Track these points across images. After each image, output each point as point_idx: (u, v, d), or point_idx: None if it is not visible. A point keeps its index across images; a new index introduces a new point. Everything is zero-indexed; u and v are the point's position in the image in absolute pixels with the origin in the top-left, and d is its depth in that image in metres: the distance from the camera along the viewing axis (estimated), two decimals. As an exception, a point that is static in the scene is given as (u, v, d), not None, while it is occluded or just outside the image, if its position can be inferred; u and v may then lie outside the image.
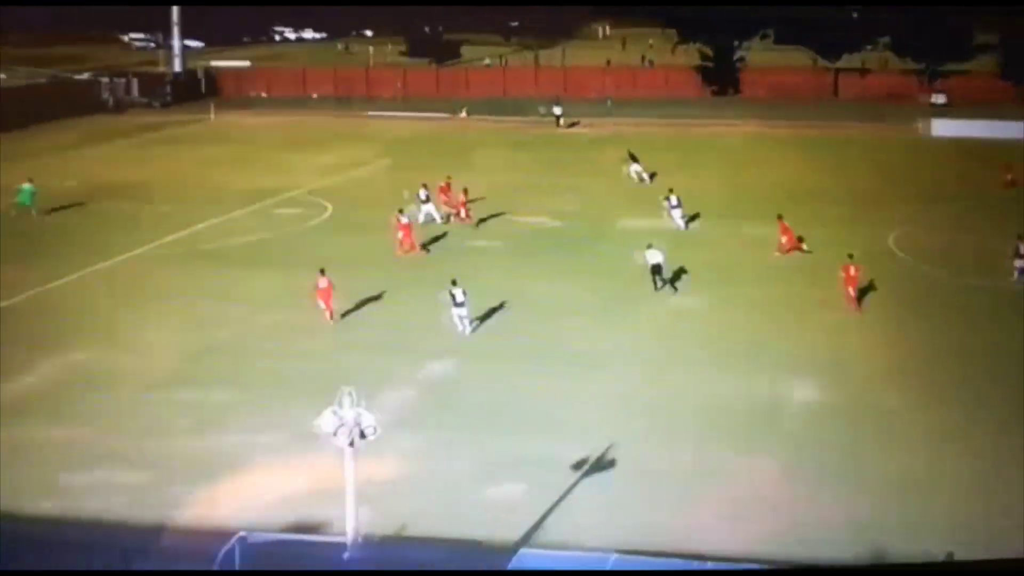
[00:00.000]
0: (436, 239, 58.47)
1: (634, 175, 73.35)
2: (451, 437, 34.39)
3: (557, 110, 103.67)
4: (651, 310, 47.10)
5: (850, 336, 43.43)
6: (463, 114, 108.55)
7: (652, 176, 72.83)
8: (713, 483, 31.44)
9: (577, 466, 32.03)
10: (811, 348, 42.05)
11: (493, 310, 46.52)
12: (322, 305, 45.58)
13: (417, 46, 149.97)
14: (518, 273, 52.49)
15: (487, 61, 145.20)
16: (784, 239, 55.36)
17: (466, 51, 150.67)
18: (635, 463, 32.39)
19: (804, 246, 55.21)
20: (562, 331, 44.25)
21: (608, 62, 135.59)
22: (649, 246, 50.26)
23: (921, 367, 40.26)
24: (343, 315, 45.86)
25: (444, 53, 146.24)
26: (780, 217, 56.35)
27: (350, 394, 25.18)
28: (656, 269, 49.75)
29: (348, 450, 25.56)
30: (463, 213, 62.04)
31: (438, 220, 61.22)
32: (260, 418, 35.91)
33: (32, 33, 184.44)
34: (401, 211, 57.83)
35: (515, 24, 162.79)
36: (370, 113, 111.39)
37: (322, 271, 45.98)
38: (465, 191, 62.98)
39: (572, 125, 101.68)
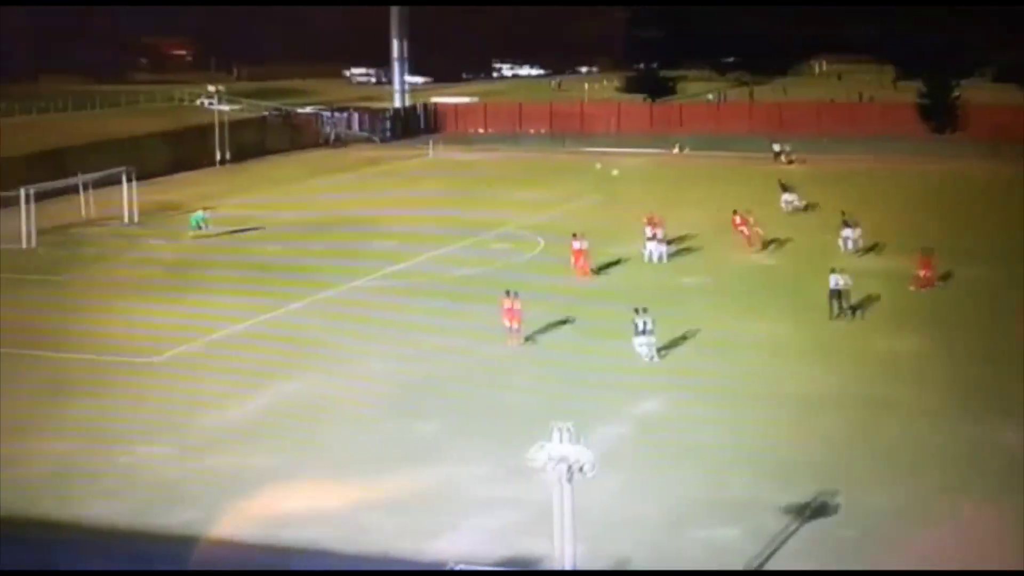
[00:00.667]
0: (644, 275, 58.44)
1: (784, 205, 74.72)
2: (664, 476, 34.15)
3: (776, 147, 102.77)
4: (863, 348, 46.18)
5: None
6: (676, 150, 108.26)
7: (807, 207, 74.29)
8: (951, 533, 30.47)
9: (795, 511, 31.39)
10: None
11: (703, 347, 46.21)
12: (507, 324, 46.64)
13: (632, 82, 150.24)
14: (728, 311, 52.03)
15: (710, 96, 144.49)
16: (923, 272, 54.79)
17: (681, 87, 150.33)
18: (858, 507, 31.65)
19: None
20: (775, 370, 43.70)
21: (831, 100, 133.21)
22: (833, 271, 50.34)
23: None
24: (556, 347, 46.18)
25: (659, 89, 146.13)
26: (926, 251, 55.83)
27: (565, 429, 24.95)
28: (835, 295, 49.77)
29: (562, 486, 25.43)
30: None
31: (664, 258, 61.13)
32: (474, 450, 36.14)
33: (263, 66, 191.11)
34: (575, 235, 59.61)
35: (730, 60, 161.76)
36: (585, 149, 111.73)
37: (508, 292, 47.36)
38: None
39: (791, 162, 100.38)
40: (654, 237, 61.85)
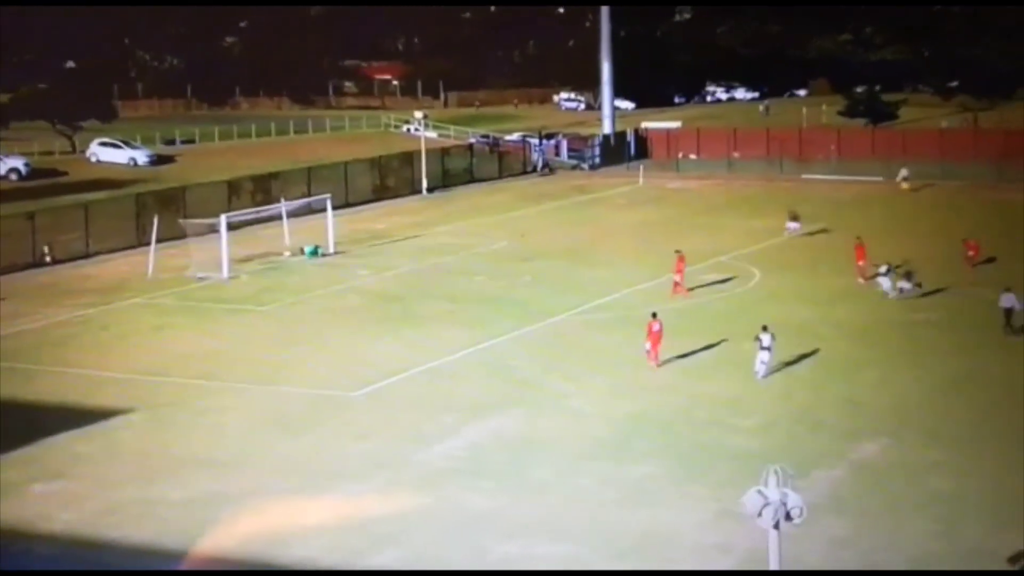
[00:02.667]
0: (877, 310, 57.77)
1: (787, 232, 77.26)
2: (884, 523, 33.70)
3: (904, 172, 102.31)
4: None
5: None
6: (900, 177, 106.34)
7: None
8: None
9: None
10: None
11: (931, 388, 45.51)
12: (647, 347, 48.02)
13: (853, 106, 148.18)
14: (958, 349, 51.10)
15: (944, 123, 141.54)
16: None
17: (904, 112, 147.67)
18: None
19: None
20: (1001, 413, 42.79)
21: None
22: (1007, 289, 52.22)
23: None
24: (784, 386, 46.11)
25: (880, 114, 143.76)
26: None
27: (776, 472, 24.91)
28: (1007, 314, 51.73)
29: (773, 532, 25.37)
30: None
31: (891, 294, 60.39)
32: (687, 492, 36.16)
33: (471, 92, 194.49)
34: (678, 251, 61.63)
35: (954, 84, 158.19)
36: (803, 176, 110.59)
37: (654, 315, 48.55)
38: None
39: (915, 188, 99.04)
40: (888, 273, 60.48)
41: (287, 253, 74.86)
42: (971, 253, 67.11)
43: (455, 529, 33.95)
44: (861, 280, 63.80)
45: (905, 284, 59.18)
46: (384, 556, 32.16)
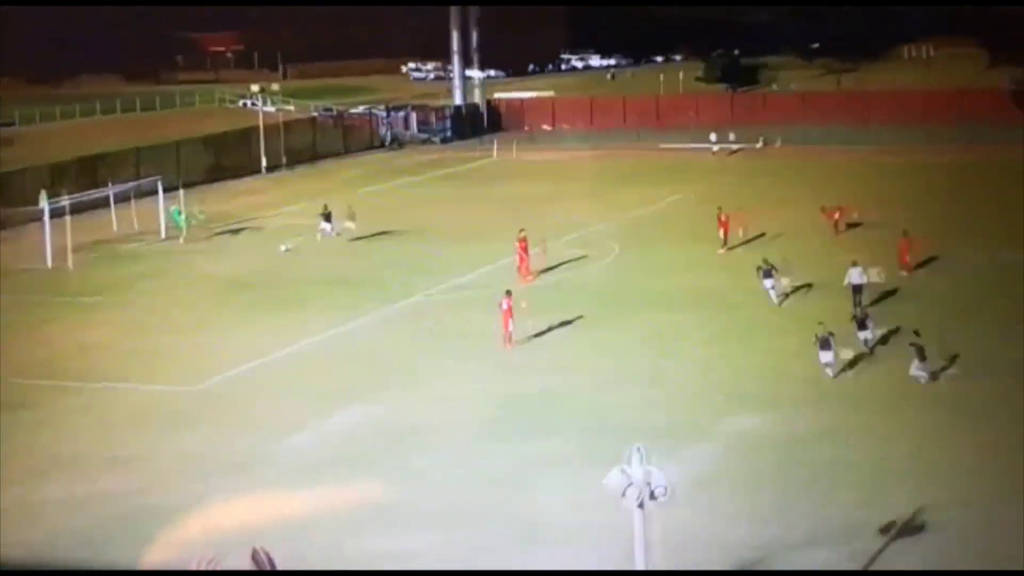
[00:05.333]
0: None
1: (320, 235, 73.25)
2: (750, 500, 34.83)
3: (713, 137, 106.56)
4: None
5: None
6: (760, 144, 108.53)
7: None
8: None
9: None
10: None
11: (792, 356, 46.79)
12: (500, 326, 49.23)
13: (712, 71, 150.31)
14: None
15: (792, 87, 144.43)
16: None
17: (765, 76, 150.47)
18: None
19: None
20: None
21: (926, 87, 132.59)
22: (854, 264, 52.89)
23: None
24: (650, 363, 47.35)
25: (742, 79, 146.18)
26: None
27: (640, 450, 25.22)
28: (857, 289, 52.38)
29: (637, 512, 25.61)
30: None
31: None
32: (564, 473, 36.64)
33: (313, 63, 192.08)
34: (520, 232, 62.24)
35: (816, 46, 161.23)
36: (661, 145, 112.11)
37: (508, 292, 50.13)
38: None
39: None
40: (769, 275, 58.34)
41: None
42: (837, 217, 69.43)
43: (324, 526, 33.96)
44: (722, 251, 65.81)
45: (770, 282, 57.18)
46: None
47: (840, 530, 32.42)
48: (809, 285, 56.91)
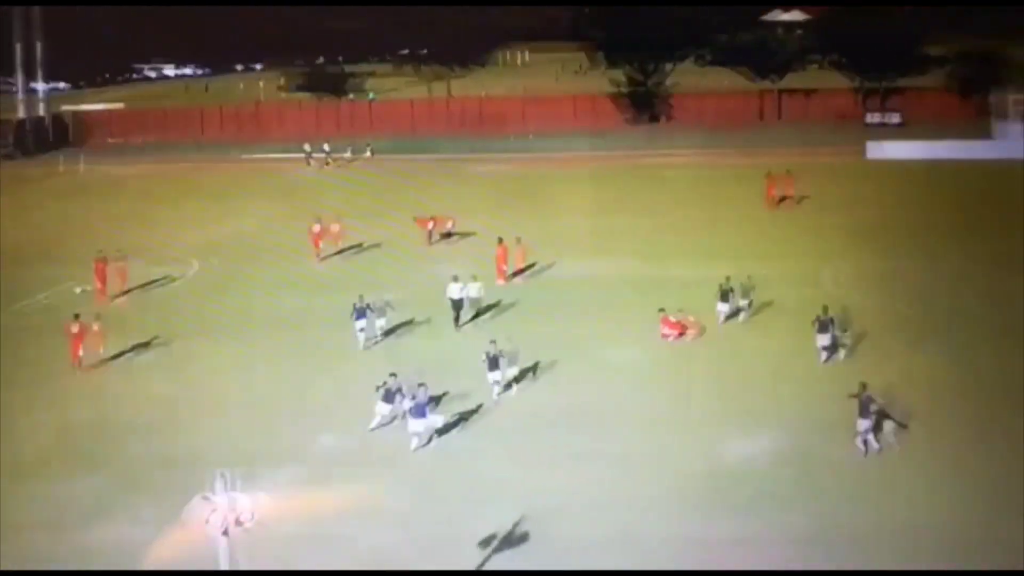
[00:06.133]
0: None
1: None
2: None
3: (307, 147, 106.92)
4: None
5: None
6: (348, 154, 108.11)
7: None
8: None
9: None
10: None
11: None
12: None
13: (297, 80, 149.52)
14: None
15: (371, 96, 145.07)
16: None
17: (371, 84, 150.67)
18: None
19: None
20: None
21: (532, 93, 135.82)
22: (454, 279, 52.44)
23: None
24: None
25: (328, 87, 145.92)
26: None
27: (223, 476, 24.47)
28: (457, 305, 51.90)
29: (223, 540, 24.79)
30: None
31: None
32: (133, 507, 35.02)
33: None
34: (99, 254, 60.28)
35: (424, 52, 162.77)
36: (245, 156, 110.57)
37: (76, 316, 48.44)
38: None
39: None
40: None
41: None
42: (431, 227, 69.78)
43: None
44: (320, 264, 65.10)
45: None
46: None
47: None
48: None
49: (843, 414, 38.05)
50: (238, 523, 24.63)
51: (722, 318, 50.53)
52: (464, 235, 70.16)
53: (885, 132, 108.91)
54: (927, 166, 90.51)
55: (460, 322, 51.91)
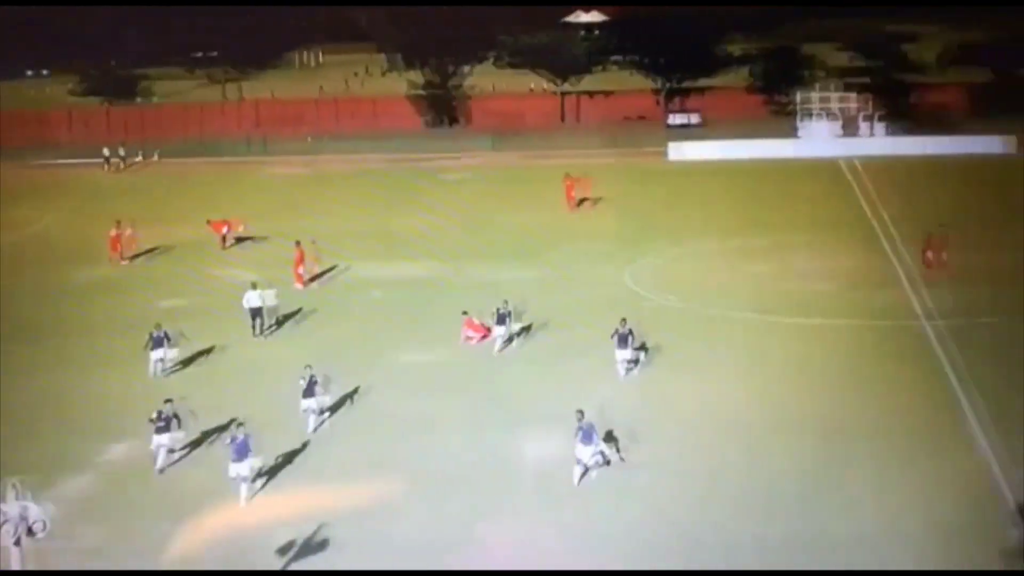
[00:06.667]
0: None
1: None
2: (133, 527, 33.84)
3: (106, 151, 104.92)
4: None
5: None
6: (139, 157, 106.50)
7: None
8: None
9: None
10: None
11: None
12: None
13: (101, 83, 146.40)
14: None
15: (153, 98, 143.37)
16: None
17: (163, 87, 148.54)
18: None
19: None
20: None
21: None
22: (253, 286, 52.22)
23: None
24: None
25: (130, 90, 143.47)
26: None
27: (15, 485, 24.32)
28: (255, 314, 51.66)
29: (14, 550, 24.58)
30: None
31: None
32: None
33: None
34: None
35: (214, 55, 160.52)
36: (36, 162, 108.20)
37: None
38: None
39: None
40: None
41: None
42: (226, 231, 69.73)
43: None
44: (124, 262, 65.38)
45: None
46: None
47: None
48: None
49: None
50: (30, 532, 24.46)
51: (500, 343, 48.54)
52: (257, 239, 70.10)
53: (688, 133, 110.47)
54: (731, 166, 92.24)
55: (258, 331, 51.83)
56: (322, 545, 32.42)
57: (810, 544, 31.96)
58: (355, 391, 44.19)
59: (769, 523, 33.20)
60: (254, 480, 35.87)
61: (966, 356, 45.92)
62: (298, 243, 60.74)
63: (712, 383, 44.36)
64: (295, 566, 31.56)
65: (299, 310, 55.15)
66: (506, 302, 48.85)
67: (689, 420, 40.93)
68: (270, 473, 36.93)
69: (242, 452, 35.19)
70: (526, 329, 50.61)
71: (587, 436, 35.93)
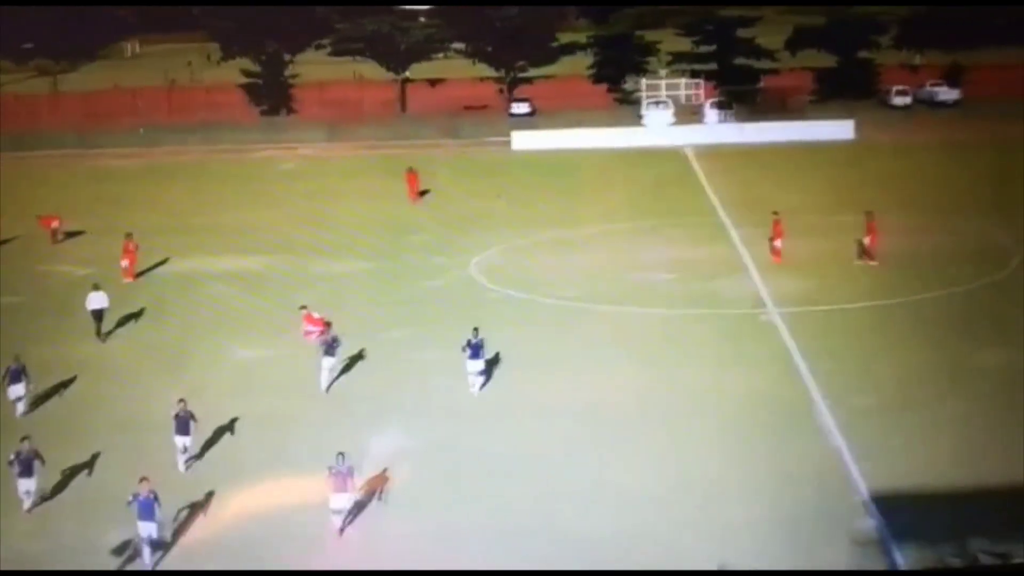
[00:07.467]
0: None
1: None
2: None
3: None
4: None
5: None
6: None
7: None
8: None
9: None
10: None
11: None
12: None
13: None
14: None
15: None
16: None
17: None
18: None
19: None
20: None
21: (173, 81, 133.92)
22: (96, 287, 51.49)
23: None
24: None
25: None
26: None
27: None
28: (98, 315, 50.89)
29: None
30: None
31: None
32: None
33: None
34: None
35: (30, 46, 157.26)
36: None
37: None
38: None
39: None
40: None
41: None
42: (55, 226, 68.81)
43: None
44: None
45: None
46: None
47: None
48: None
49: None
50: None
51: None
52: (89, 233, 69.29)
53: (532, 122, 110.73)
54: (575, 156, 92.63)
55: (102, 332, 51.03)
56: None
57: (662, 538, 32.30)
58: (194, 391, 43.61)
59: (619, 516, 33.59)
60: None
61: (813, 346, 46.58)
62: (129, 235, 60.07)
63: (557, 374, 44.49)
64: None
65: (141, 310, 54.30)
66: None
67: (533, 411, 41.14)
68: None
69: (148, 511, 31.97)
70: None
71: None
